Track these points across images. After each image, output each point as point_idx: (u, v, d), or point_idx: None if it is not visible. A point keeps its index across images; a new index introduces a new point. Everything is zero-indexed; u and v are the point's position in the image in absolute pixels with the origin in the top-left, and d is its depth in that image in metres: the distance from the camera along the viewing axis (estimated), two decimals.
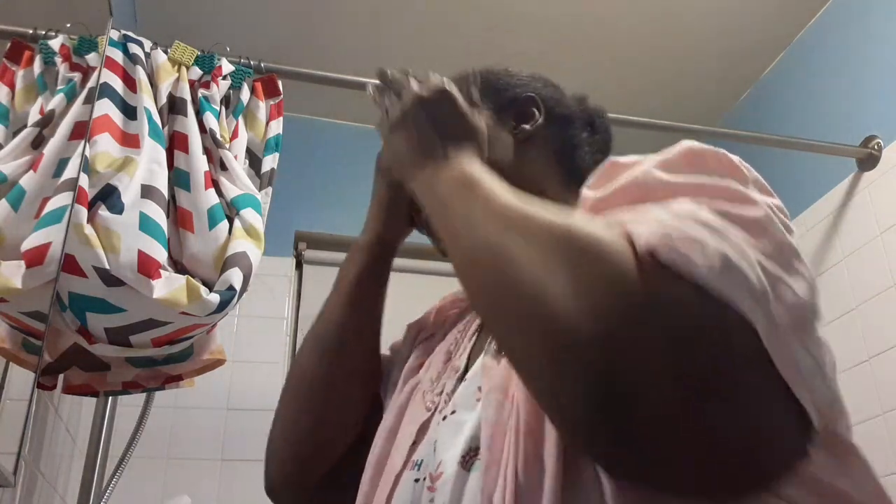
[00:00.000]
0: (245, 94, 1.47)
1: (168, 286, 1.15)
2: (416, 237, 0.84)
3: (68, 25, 1.36)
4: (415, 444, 0.63)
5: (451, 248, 0.56)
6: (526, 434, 0.51)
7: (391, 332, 0.86)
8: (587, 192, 0.55)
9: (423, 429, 0.63)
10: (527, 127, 0.77)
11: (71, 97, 1.26)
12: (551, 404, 0.46)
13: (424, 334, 0.81)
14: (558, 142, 0.78)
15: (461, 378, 0.65)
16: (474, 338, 0.69)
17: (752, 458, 0.45)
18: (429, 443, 0.61)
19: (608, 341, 0.42)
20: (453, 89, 0.69)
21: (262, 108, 1.48)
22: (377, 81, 0.74)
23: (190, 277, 1.18)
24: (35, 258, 1.06)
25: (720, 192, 0.51)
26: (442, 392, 0.65)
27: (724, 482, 0.46)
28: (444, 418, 0.61)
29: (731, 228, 0.47)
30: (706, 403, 0.42)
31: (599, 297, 0.43)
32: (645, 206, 0.50)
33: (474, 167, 0.61)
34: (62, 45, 1.33)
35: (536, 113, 0.78)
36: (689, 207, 0.49)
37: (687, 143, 0.55)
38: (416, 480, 0.58)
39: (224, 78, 1.45)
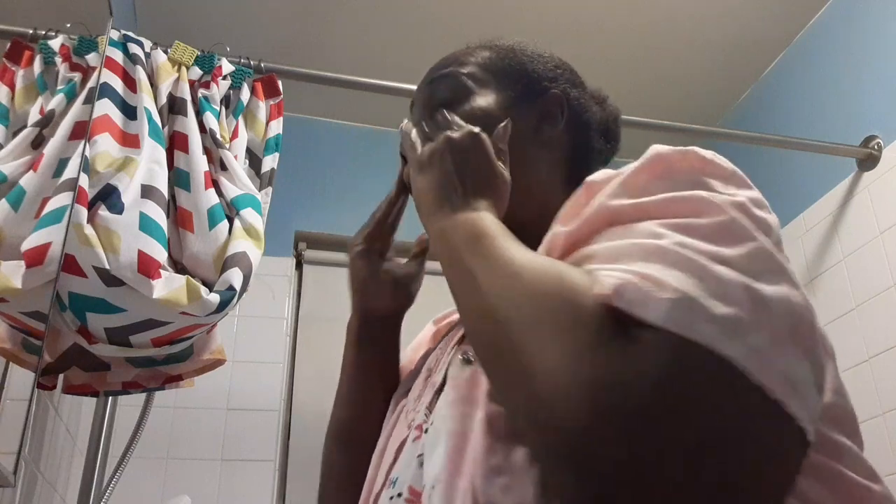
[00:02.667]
0: (245, 94, 1.47)
1: (168, 286, 1.15)
2: (411, 234, 0.83)
3: (68, 25, 1.35)
4: (394, 462, 0.63)
5: (456, 300, 0.57)
6: (488, 448, 0.52)
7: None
8: (558, 228, 0.55)
9: (401, 447, 0.63)
10: (547, 129, 0.74)
11: (71, 97, 1.26)
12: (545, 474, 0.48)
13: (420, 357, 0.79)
14: (572, 147, 0.76)
15: (439, 392, 0.64)
16: (452, 352, 0.68)
17: (748, 498, 0.43)
18: (405, 460, 0.61)
19: (581, 422, 0.42)
20: (485, 139, 0.67)
21: (262, 108, 1.48)
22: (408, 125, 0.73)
23: (190, 277, 1.18)
24: (35, 258, 1.06)
25: (685, 208, 0.50)
26: (421, 409, 0.64)
27: None
28: (426, 432, 0.60)
29: (696, 244, 0.47)
30: (691, 467, 0.41)
31: (570, 372, 0.44)
32: (612, 232, 0.51)
33: (487, 221, 0.60)
34: (62, 45, 1.33)
35: (560, 117, 0.75)
36: (651, 231, 0.49)
37: (654, 150, 0.55)
38: (392, 498, 0.58)
39: (224, 78, 1.45)
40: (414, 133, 0.71)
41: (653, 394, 0.42)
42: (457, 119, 0.70)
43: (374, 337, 0.80)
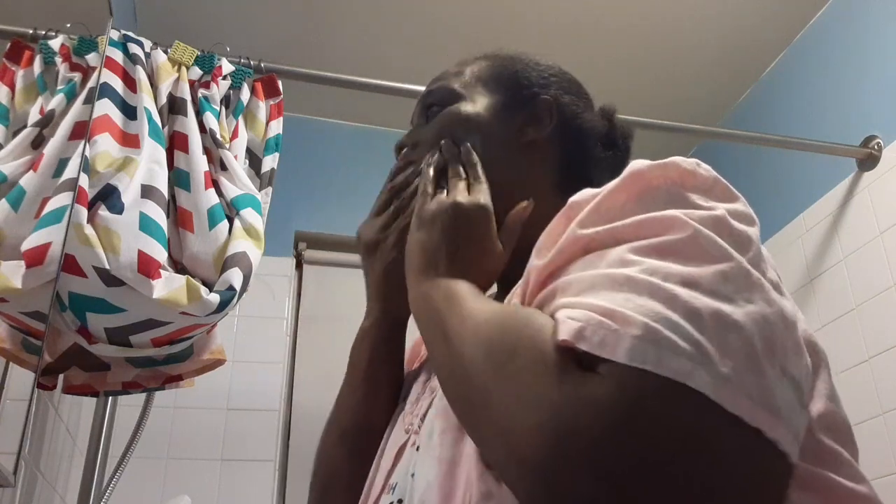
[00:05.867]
0: (245, 94, 1.47)
1: (168, 286, 1.15)
2: None
3: (68, 25, 1.36)
4: (393, 467, 0.62)
5: (432, 359, 0.57)
6: (480, 474, 0.52)
7: None
8: (534, 262, 0.55)
9: (400, 452, 0.63)
10: (531, 132, 0.74)
11: (71, 97, 1.26)
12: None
13: (416, 364, 0.78)
14: (567, 153, 0.75)
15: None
16: None
17: None
18: (404, 467, 0.61)
19: (548, 467, 0.42)
20: (489, 214, 0.67)
21: (262, 108, 1.49)
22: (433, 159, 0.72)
23: (190, 277, 1.18)
24: (35, 258, 1.06)
25: (657, 228, 0.49)
26: (420, 415, 0.64)
27: None
28: (419, 448, 0.60)
29: (666, 268, 0.46)
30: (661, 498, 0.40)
31: (532, 419, 0.43)
32: (586, 260, 0.50)
33: (464, 287, 0.60)
34: (62, 45, 1.33)
35: (548, 121, 0.75)
36: (622, 259, 0.48)
37: (632, 168, 0.53)
38: None
39: (224, 78, 1.45)
40: (430, 177, 0.70)
41: (618, 432, 0.41)
42: (478, 171, 0.69)
43: (389, 341, 0.76)
